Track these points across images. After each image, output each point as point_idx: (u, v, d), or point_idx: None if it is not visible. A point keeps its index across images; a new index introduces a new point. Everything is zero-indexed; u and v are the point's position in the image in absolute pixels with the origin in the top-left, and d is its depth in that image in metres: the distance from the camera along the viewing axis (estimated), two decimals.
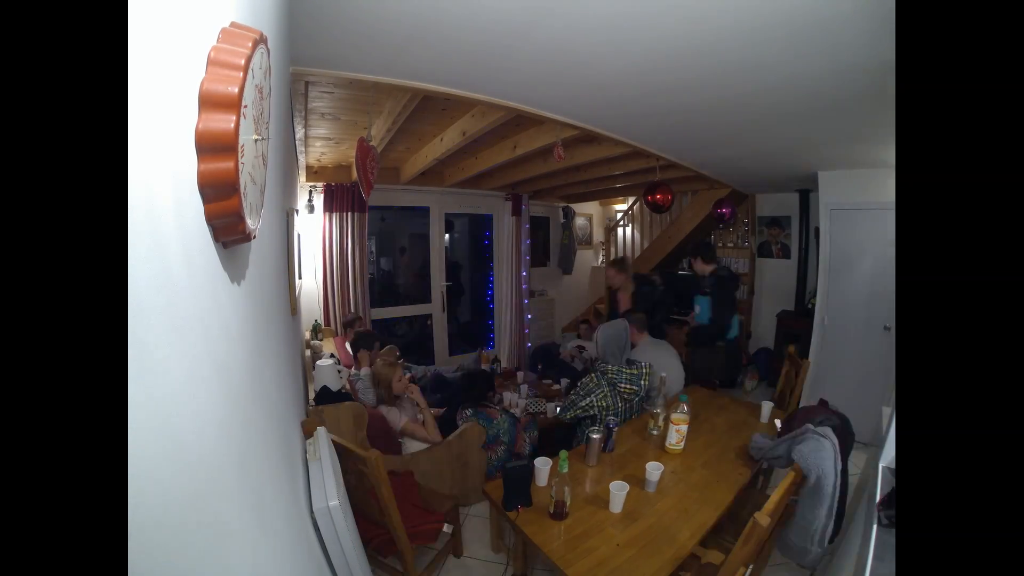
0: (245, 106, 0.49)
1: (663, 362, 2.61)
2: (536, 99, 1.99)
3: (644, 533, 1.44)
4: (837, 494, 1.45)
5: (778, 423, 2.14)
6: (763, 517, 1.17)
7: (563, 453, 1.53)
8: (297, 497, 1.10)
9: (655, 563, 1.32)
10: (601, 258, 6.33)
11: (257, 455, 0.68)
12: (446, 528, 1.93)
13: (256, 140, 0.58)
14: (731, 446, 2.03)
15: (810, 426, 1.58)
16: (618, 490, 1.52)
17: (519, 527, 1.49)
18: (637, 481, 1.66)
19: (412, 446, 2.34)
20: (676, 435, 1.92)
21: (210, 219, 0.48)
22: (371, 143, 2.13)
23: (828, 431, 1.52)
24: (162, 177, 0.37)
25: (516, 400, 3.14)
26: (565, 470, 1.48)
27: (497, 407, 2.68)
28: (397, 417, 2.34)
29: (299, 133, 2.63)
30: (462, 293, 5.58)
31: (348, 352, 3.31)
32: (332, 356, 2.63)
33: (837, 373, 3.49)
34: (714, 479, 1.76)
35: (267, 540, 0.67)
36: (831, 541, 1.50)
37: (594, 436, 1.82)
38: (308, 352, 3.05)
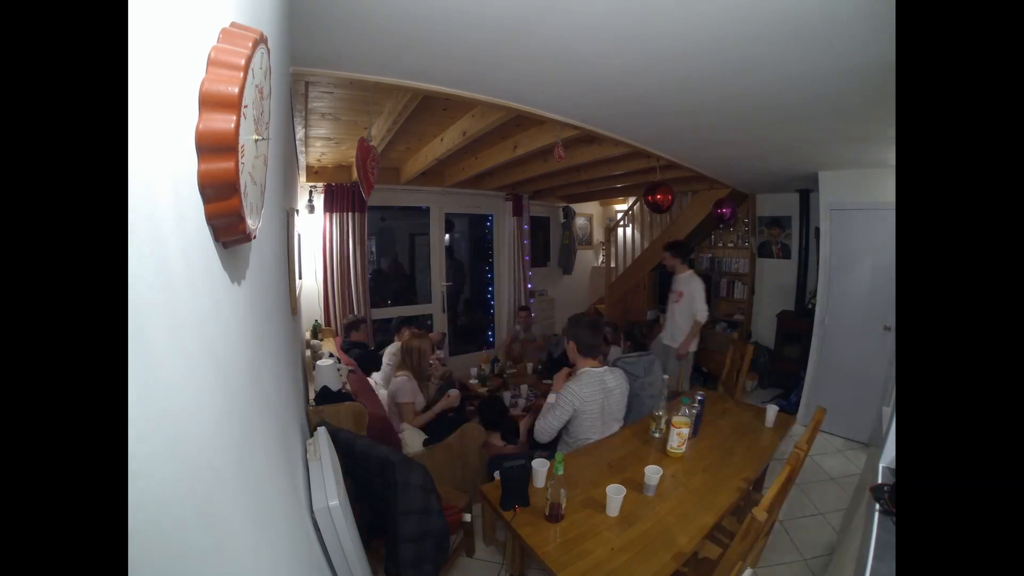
0: (245, 106, 0.49)
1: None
2: (536, 99, 1.99)
3: (641, 537, 1.43)
4: None
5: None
6: (760, 512, 1.16)
7: (559, 455, 1.52)
8: (297, 497, 1.09)
9: (651, 567, 1.30)
10: (601, 258, 6.33)
11: (257, 455, 0.68)
12: (466, 517, 1.98)
13: (256, 140, 0.58)
14: (735, 450, 2.02)
15: None
16: (615, 494, 1.50)
17: (513, 528, 1.48)
18: (636, 485, 1.64)
19: (411, 445, 2.35)
20: (677, 439, 1.90)
21: (210, 219, 0.48)
22: (371, 143, 2.13)
23: None
24: (162, 177, 0.37)
25: (513, 399, 3.13)
26: (560, 472, 1.47)
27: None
28: (407, 390, 2.54)
29: (299, 133, 2.63)
30: (462, 293, 5.57)
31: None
32: (332, 356, 2.62)
33: (837, 373, 3.49)
34: (715, 484, 1.74)
35: (267, 540, 0.66)
36: None
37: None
38: (308, 352, 3.05)
